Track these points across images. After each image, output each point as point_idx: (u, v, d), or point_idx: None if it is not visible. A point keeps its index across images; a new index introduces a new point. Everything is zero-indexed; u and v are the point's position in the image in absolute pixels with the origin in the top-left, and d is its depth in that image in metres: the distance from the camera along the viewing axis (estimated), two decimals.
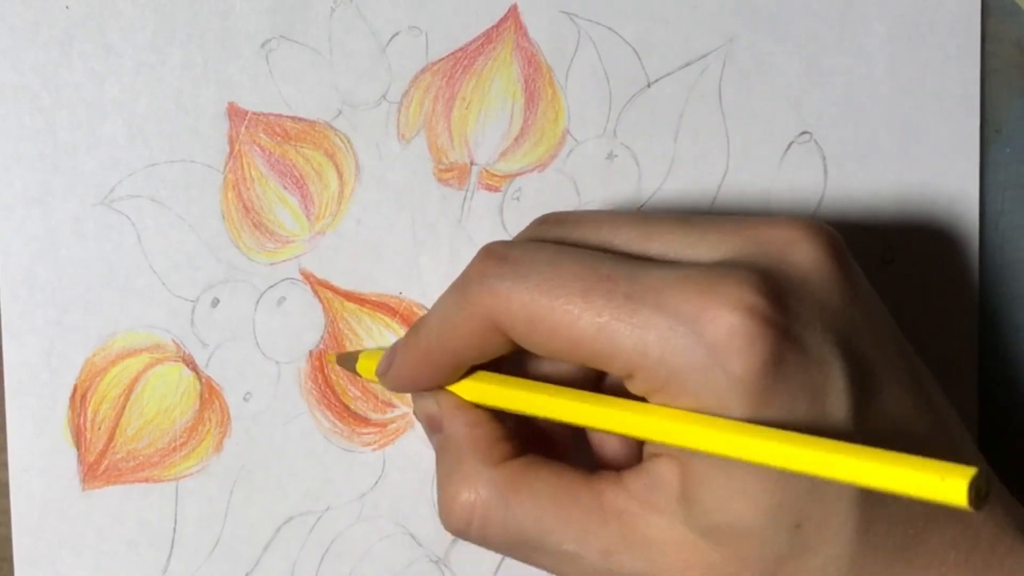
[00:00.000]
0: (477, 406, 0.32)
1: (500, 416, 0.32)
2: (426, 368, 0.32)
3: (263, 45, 0.36)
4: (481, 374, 0.32)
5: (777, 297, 0.27)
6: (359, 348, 0.36)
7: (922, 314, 0.39)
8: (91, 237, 0.35)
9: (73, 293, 0.35)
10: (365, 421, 0.37)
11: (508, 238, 0.37)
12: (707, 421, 0.26)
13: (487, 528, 0.31)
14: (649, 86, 0.38)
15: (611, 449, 0.33)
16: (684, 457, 0.28)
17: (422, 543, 0.37)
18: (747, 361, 0.26)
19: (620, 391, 0.30)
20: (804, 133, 0.38)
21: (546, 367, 0.32)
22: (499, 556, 0.38)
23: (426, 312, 0.33)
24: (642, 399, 0.29)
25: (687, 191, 0.38)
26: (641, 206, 0.38)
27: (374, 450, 0.37)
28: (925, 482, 0.23)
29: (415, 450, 0.37)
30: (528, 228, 0.33)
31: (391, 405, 0.37)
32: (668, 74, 0.38)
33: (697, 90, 0.38)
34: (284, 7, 0.36)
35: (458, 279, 0.31)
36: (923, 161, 0.39)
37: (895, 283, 0.39)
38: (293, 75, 0.36)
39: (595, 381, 0.32)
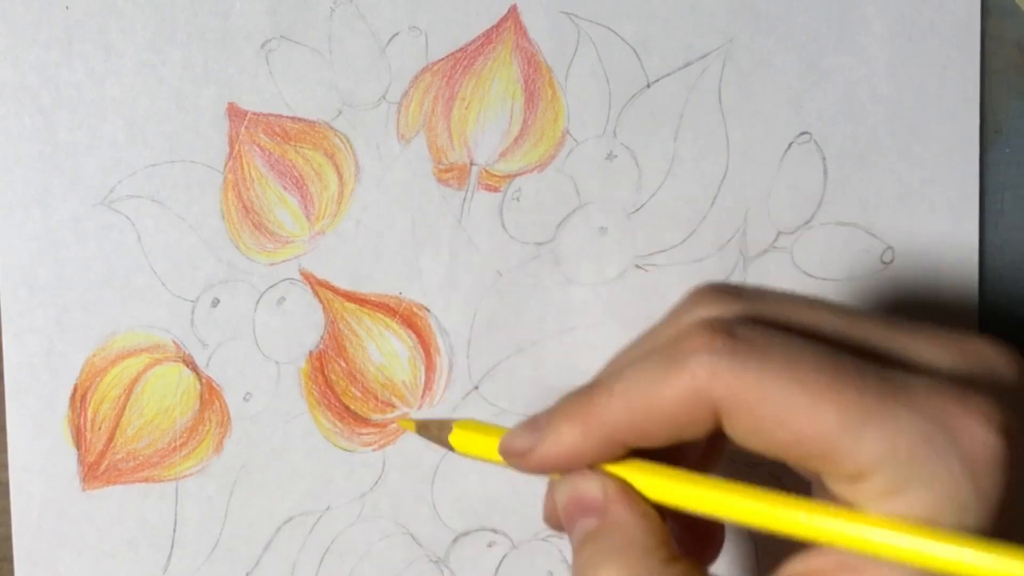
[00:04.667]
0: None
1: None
2: (594, 445, 0.29)
3: (263, 45, 0.36)
4: (639, 463, 0.29)
5: (1018, 420, 0.27)
6: (437, 418, 0.35)
7: (922, 314, 0.39)
8: (91, 237, 0.35)
9: (73, 293, 0.35)
10: (365, 421, 0.37)
11: (508, 238, 0.37)
12: (947, 535, 0.26)
13: None
14: (649, 86, 0.38)
15: (703, 533, 0.32)
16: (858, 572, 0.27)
17: (422, 543, 0.37)
18: (999, 479, 0.26)
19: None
20: (804, 133, 0.38)
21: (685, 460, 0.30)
22: (500, 556, 0.38)
23: (602, 378, 0.29)
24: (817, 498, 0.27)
25: (687, 191, 0.38)
26: (641, 206, 0.38)
27: (374, 450, 0.37)
28: None
29: (415, 450, 0.37)
30: (694, 302, 0.29)
31: (391, 405, 0.37)
32: (668, 74, 0.38)
33: (697, 90, 0.38)
34: (284, 7, 0.36)
35: (668, 350, 0.27)
36: (923, 161, 0.39)
37: (895, 283, 0.39)
38: (293, 75, 0.36)
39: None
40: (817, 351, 0.27)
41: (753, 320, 0.28)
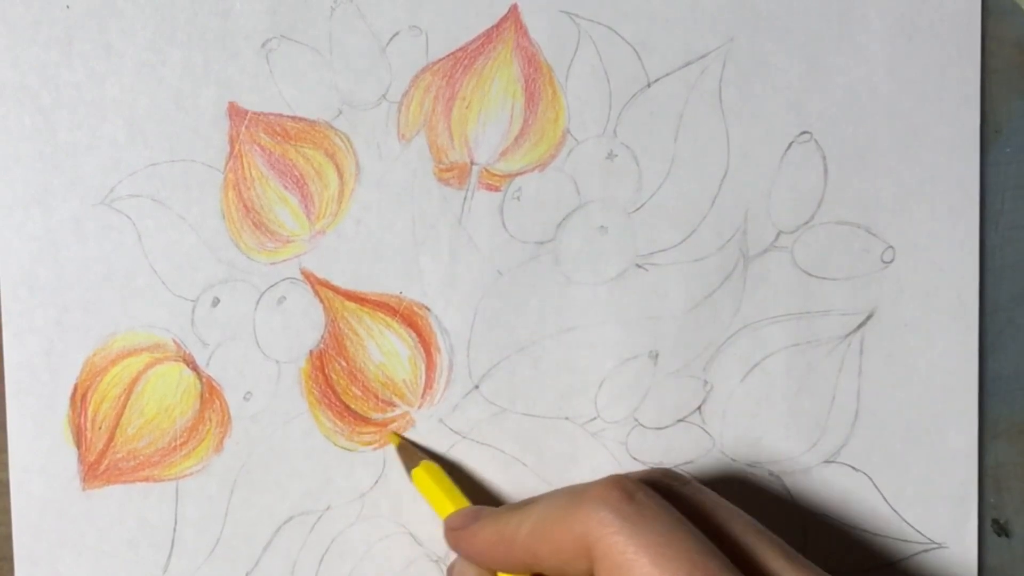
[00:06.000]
0: None
1: None
2: (500, 553, 0.32)
3: (263, 45, 0.36)
4: None
5: None
6: (418, 444, 0.37)
7: (922, 314, 0.39)
8: (91, 237, 0.35)
9: (73, 293, 0.35)
10: (365, 421, 0.37)
11: (508, 238, 0.37)
12: None
13: None
14: (649, 86, 0.38)
15: None
16: None
17: (422, 543, 0.37)
18: None
19: None
20: (804, 133, 0.38)
21: None
22: None
23: (534, 498, 0.32)
24: None
25: (687, 191, 0.38)
26: (641, 206, 0.38)
27: (374, 450, 0.37)
28: None
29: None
30: (645, 472, 0.33)
31: (391, 404, 0.37)
32: (668, 74, 0.38)
33: (697, 90, 0.38)
34: (284, 7, 0.36)
35: (575, 491, 0.31)
36: (923, 161, 0.39)
37: (895, 283, 0.39)
38: (293, 75, 0.36)
39: None
40: (691, 543, 0.29)
41: (664, 493, 0.31)
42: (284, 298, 0.36)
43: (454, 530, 0.34)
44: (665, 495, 0.31)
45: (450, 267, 0.37)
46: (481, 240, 0.37)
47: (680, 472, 0.34)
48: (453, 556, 0.38)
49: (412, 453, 0.36)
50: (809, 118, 0.38)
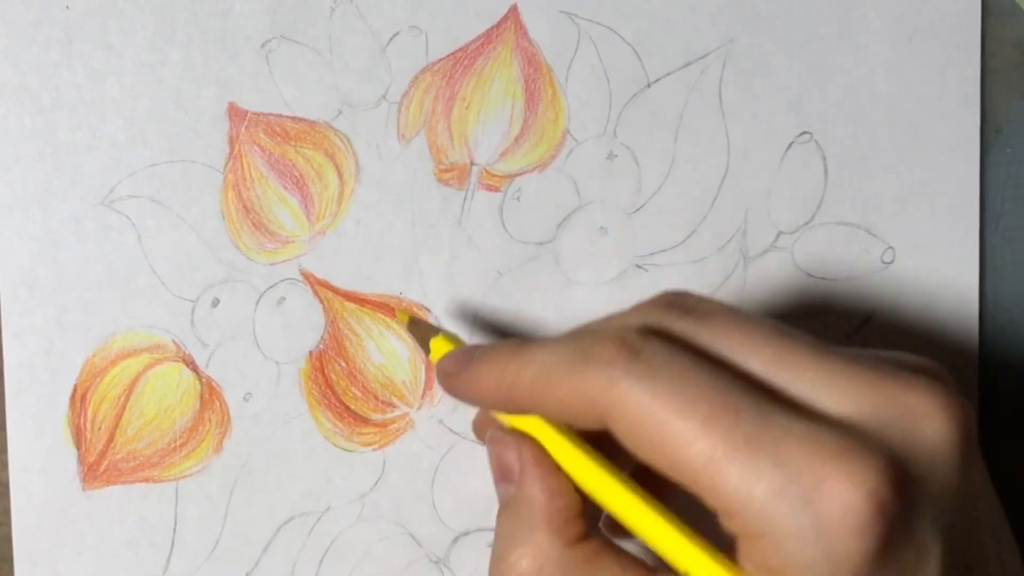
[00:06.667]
0: (558, 469, 0.31)
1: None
2: (500, 398, 0.30)
3: (263, 45, 0.36)
4: (566, 442, 0.30)
5: (899, 486, 0.26)
6: (428, 327, 0.35)
7: (922, 314, 0.39)
8: (91, 237, 0.35)
9: (73, 293, 0.35)
10: (365, 421, 0.37)
11: (508, 238, 0.37)
12: None
13: None
14: (649, 86, 0.38)
15: None
16: None
17: (422, 543, 0.37)
18: (854, 545, 0.25)
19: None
20: (804, 133, 0.38)
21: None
22: None
23: (533, 344, 0.30)
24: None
25: (687, 191, 0.38)
26: (641, 206, 0.38)
27: (374, 450, 0.37)
28: None
29: (415, 450, 0.37)
30: (650, 306, 0.31)
31: (391, 405, 0.37)
32: (668, 74, 0.38)
33: (697, 90, 0.38)
34: (284, 7, 0.36)
35: (583, 347, 0.29)
36: (923, 161, 0.39)
37: (895, 283, 0.39)
38: (293, 75, 0.36)
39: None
40: (708, 382, 0.27)
41: (674, 339, 0.29)
42: (284, 299, 0.36)
43: (448, 375, 0.32)
44: (677, 336, 0.29)
45: (450, 267, 0.37)
46: (481, 240, 0.37)
47: (690, 292, 0.31)
48: (453, 556, 0.38)
49: (424, 327, 0.35)
50: (809, 118, 0.38)
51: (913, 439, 0.27)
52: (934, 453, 0.27)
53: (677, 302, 0.30)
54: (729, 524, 0.27)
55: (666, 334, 0.29)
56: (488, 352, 0.31)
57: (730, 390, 0.27)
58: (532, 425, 0.31)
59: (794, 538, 0.26)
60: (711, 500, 0.27)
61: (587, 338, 0.29)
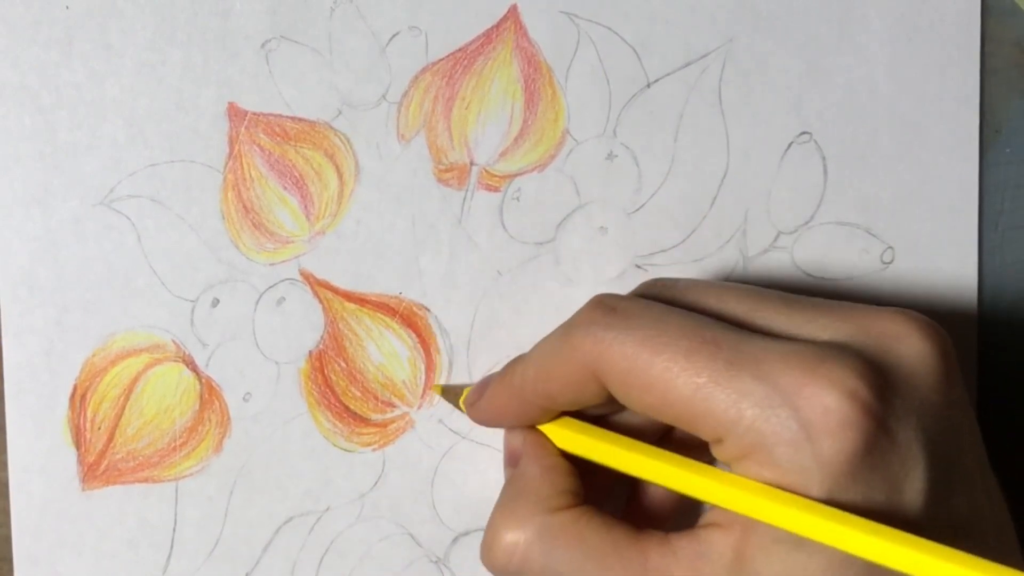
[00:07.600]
0: (561, 452, 0.32)
1: (579, 465, 0.32)
2: (516, 406, 0.32)
3: (263, 45, 0.36)
4: (569, 420, 0.32)
5: (879, 387, 0.27)
6: (455, 384, 0.37)
7: (922, 314, 0.39)
8: (91, 237, 0.35)
9: (73, 293, 0.35)
10: (365, 421, 0.37)
11: (508, 238, 0.37)
12: (784, 497, 0.27)
13: (524, 572, 0.31)
14: (649, 86, 0.38)
15: (659, 504, 0.34)
16: (746, 528, 0.28)
17: (422, 543, 0.37)
18: (838, 444, 0.26)
19: (688, 445, 0.31)
20: (804, 133, 0.38)
21: (625, 418, 0.33)
22: None
23: (530, 349, 0.32)
24: (708, 461, 0.29)
25: (687, 191, 0.38)
26: (641, 206, 0.38)
27: (374, 450, 0.37)
28: None
29: (415, 450, 0.37)
30: (637, 288, 0.33)
31: (391, 405, 0.37)
32: (668, 74, 0.38)
33: (697, 90, 0.38)
34: (284, 7, 0.36)
35: (564, 323, 0.31)
36: (923, 161, 0.39)
37: (895, 283, 0.39)
38: (293, 75, 0.36)
39: (666, 435, 0.33)
40: (683, 321, 0.29)
41: (648, 299, 0.31)
42: (284, 299, 0.36)
43: (471, 406, 0.34)
44: (655, 299, 0.31)
45: (450, 267, 0.37)
46: (481, 240, 0.37)
47: (676, 277, 0.34)
48: (453, 556, 0.38)
49: (454, 390, 0.37)
50: (809, 118, 0.38)
51: (892, 356, 0.28)
52: (913, 369, 0.28)
53: (660, 281, 0.33)
54: (723, 452, 0.28)
55: (641, 296, 0.31)
56: (497, 373, 0.34)
57: (708, 325, 0.29)
58: (558, 424, 0.33)
59: (784, 445, 0.27)
60: (703, 429, 0.28)
61: (570, 317, 0.31)
